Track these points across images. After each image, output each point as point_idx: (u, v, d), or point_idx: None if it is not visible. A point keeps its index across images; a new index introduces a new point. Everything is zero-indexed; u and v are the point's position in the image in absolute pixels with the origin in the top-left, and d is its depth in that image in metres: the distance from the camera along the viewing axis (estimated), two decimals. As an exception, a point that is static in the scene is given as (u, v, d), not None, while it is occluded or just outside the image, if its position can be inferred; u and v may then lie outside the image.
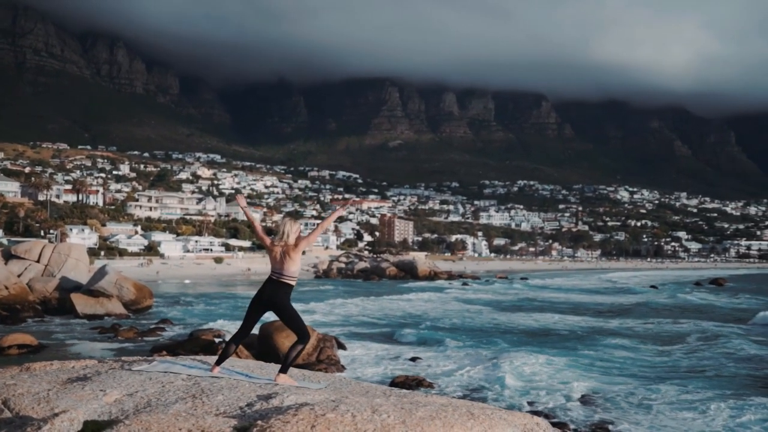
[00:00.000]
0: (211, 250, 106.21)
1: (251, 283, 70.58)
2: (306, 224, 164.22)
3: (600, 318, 36.25)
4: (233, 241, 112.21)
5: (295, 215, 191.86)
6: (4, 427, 4.01)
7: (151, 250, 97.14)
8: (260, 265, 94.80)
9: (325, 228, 6.65)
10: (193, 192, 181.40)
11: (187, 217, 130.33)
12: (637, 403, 14.58)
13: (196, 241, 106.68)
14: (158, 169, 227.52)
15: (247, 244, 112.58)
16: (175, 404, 4.66)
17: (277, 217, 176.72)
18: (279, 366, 6.18)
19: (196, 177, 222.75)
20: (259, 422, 4.10)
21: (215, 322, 28.89)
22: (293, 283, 6.00)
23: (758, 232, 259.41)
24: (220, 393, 4.99)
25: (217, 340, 21.71)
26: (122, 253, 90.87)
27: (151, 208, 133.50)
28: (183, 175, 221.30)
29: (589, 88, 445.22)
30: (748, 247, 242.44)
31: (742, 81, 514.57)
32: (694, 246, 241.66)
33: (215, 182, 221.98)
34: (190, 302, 42.45)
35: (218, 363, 6.04)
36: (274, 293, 5.96)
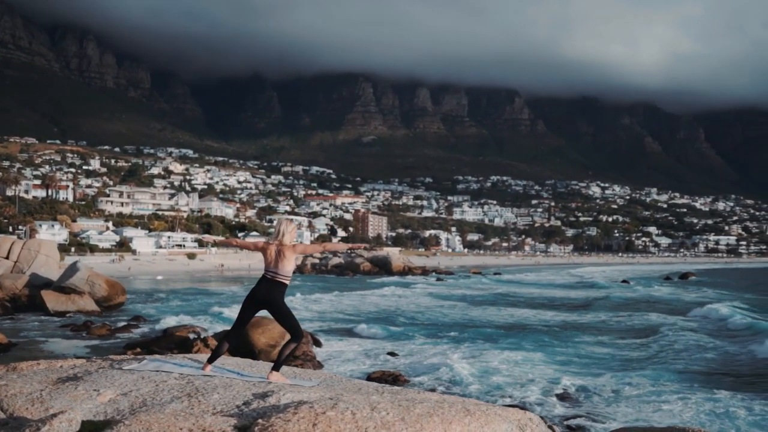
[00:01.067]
0: (184, 246, 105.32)
1: (224, 279, 70.18)
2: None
3: (573, 313, 36.59)
4: (206, 237, 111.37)
5: (269, 210, 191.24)
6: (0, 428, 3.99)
7: (123, 246, 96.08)
8: (233, 261, 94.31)
9: (329, 250, 6.81)
10: (165, 187, 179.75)
11: (160, 212, 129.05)
12: (611, 397, 14.76)
13: (169, 237, 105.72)
14: (129, 164, 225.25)
15: (221, 239, 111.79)
16: (171, 403, 4.63)
17: (250, 212, 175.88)
18: (269, 364, 6.24)
19: (168, 172, 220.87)
20: (260, 421, 4.10)
21: (189, 318, 28.62)
22: (287, 282, 6.07)
23: (726, 228, 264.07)
24: (215, 392, 4.98)
25: (191, 336, 21.51)
26: (93, 249, 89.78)
27: (122, 204, 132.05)
28: (155, 171, 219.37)
29: (562, 84, 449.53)
30: (717, 242, 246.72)
31: (710, 79, 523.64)
32: (664, 241, 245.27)
33: (188, 177, 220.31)
34: (163, 298, 42.02)
35: (210, 361, 6.05)
36: (268, 292, 5.99)
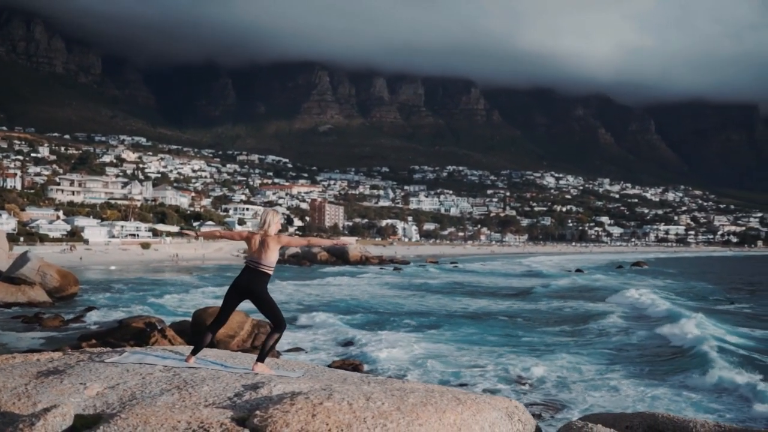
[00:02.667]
0: (138, 235, 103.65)
1: (179, 269, 69.36)
2: (235, 209, 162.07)
3: (531, 301, 37.16)
4: (161, 226, 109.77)
5: (224, 200, 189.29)
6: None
7: (74, 235, 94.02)
8: (188, 251, 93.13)
9: (314, 244, 6.85)
10: (117, 176, 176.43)
11: (112, 201, 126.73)
12: (563, 384, 15.07)
13: (122, 227, 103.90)
14: (80, 152, 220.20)
15: (175, 229, 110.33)
16: (162, 396, 4.59)
17: (205, 201, 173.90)
18: (250, 355, 6.27)
19: (121, 160, 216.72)
20: (258, 412, 4.11)
21: (142, 309, 28.31)
22: (270, 272, 6.06)
23: (675, 218, 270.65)
24: (204, 384, 4.97)
25: (148, 328, 21.20)
26: (43, 238, 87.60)
27: (73, 192, 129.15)
28: (107, 159, 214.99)
29: (517, 75, 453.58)
30: (666, 232, 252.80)
31: (661, 72, 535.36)
32: (616, 230, 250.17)
33: (141, 166, 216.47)
34: (116, 289, 41.36)
35: (194, 353, 6.04)
36: (251, 282, 5.99)
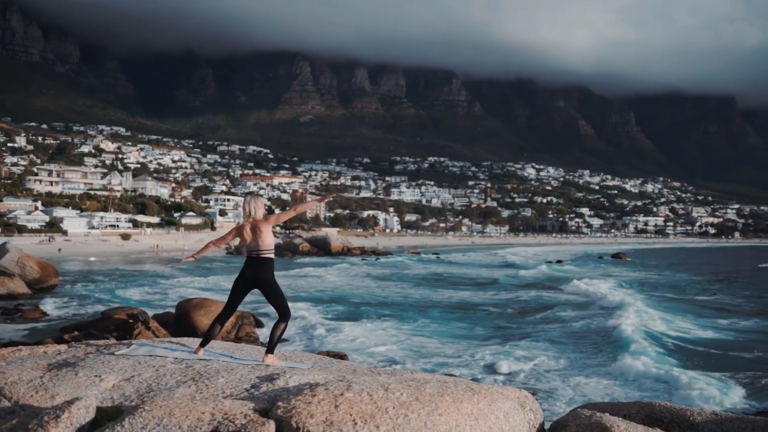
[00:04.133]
0: (118, 226, 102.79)
1: (160, 260, 69.00)
2: (216, 199, 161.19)
3: (511, 292, 37.39)
4: (141, 217, 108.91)
5: (204, 190, 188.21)
6: (6, 416, 3.88)
7: (53, 226, 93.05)
8: (169, 242, 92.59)
9: (299, 210, 6.67)
10: (96, 166, 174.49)
11: (92, 192, 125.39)
12: (545, 374, 15.18)
13: (102, 218, 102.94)
14: (58, 141, 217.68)
15: (155, 220, 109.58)
16: (179, 388, 4.61)
17: (186, 192, 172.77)
18: (256, 347, 6.29)
19: (100, 150, 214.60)
20: (281, 404, 4.14)
21: (125, 300, 28.14)
22: (272, 255, 6.04)
23: (654, 209, 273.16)
24: (219, 376, 4.99)
25: (131, 319, 21.05)
26: (21, 230, 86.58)
27: (52, 183, 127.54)
28: (85, 149, 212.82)
29: (498, 66, 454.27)
30: (646, 223, 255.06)
31: (640, 64, 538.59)
32: (596, 222, 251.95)
33: (120, 156, 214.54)
34: (97, 280, 41.07)
35: (203, 345, 6.02)
36: (256, 271, 5.98)
